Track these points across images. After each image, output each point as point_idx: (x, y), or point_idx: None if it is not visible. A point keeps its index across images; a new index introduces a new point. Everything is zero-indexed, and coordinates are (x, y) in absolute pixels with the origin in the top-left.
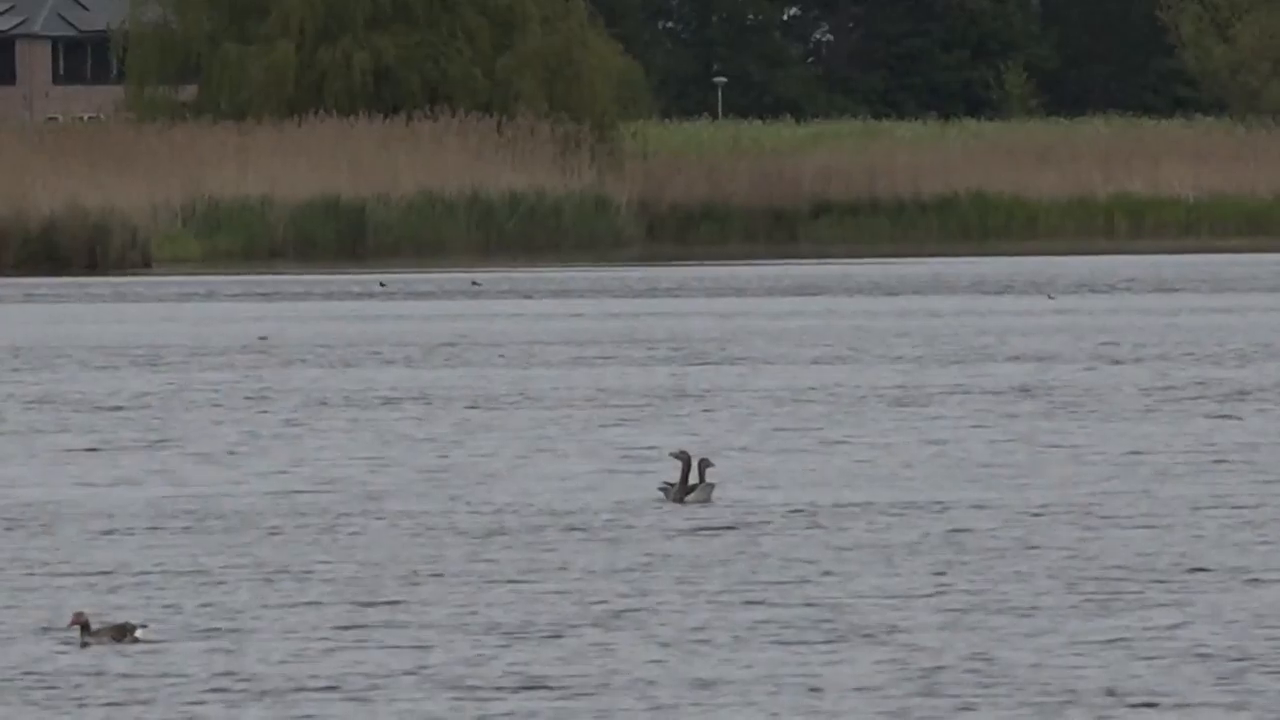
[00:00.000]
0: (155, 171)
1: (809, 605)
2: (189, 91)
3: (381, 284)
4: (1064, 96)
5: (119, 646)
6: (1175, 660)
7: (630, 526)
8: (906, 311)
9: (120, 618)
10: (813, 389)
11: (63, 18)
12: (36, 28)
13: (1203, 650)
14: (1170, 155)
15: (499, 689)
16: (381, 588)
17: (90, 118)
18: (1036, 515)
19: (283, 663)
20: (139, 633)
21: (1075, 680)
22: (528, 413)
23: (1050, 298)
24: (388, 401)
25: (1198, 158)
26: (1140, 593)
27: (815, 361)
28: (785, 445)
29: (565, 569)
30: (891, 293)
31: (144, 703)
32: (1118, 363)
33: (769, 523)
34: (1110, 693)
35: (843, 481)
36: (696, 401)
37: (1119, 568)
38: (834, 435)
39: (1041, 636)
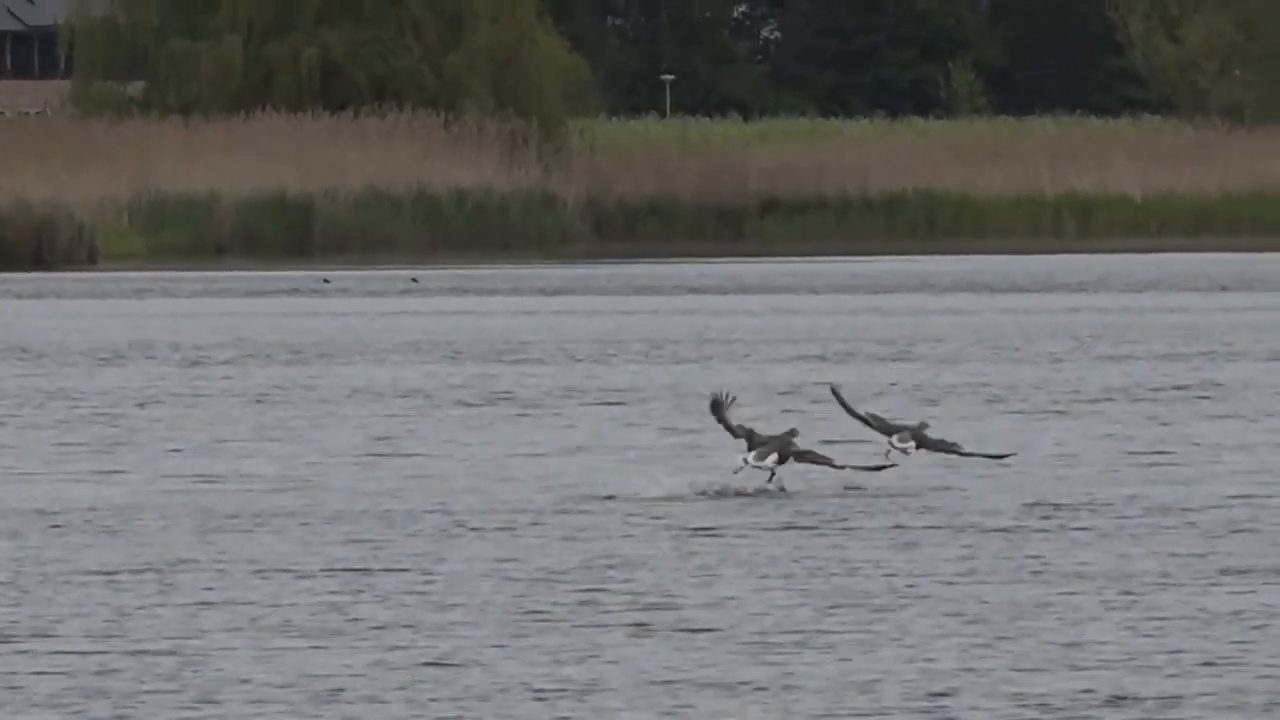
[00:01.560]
0: (102, 166)
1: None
2: (136, 86)
3: (326, 280)
4: (1012, 95)
5: None
6: None
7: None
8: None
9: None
10: (776, 386)
11: (10, 11)
12: None
13: None
14: (1118, 154)
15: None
16: (335, 584)
17: (37, 112)
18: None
19: (237, 661)
20: None
21: None
22: (475, 410)
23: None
24: (333, 399)
25: (1146, 157)
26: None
27: (778, 360)
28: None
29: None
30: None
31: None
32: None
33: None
34: None
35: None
36: (650, 399)
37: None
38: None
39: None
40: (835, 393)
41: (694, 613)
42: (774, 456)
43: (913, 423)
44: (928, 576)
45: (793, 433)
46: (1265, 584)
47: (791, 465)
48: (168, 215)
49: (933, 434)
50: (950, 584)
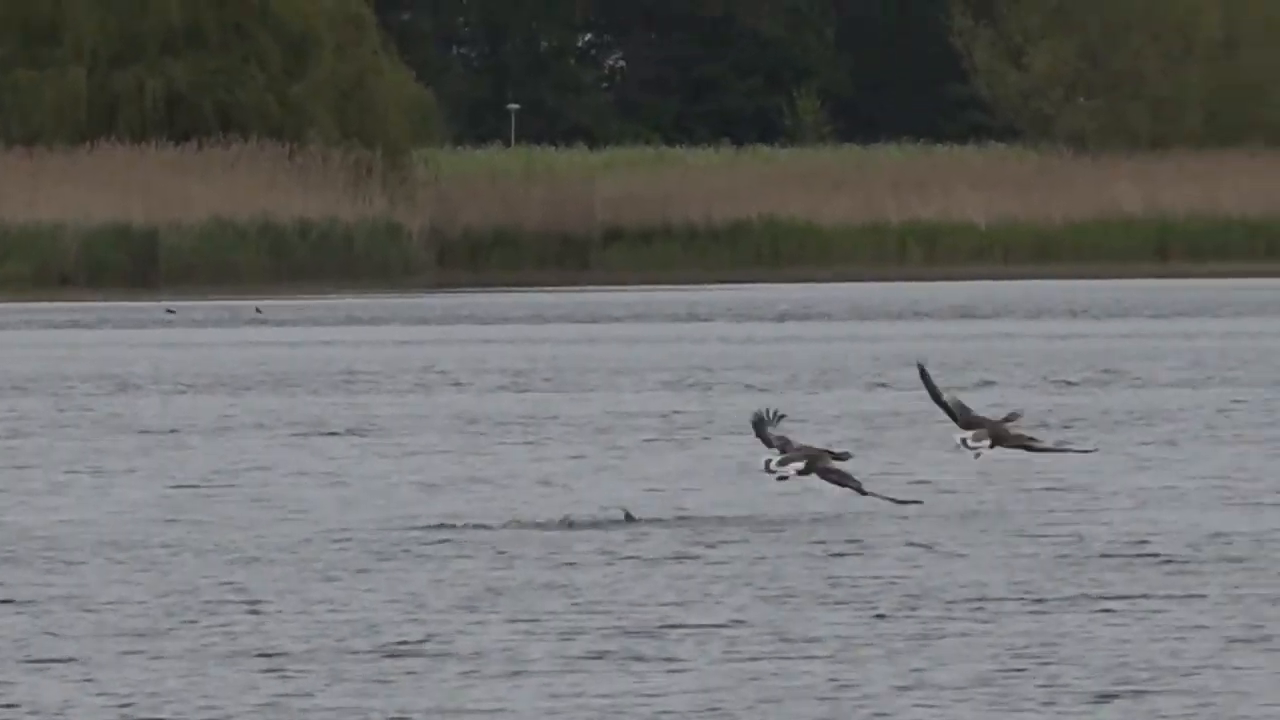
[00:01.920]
0: None
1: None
2: None
3: (170, 311)
4: (857, 123)
5: None
6: None
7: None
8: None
9: None
10: (633, 414)
11: None
12: None
13: None
14: (963, 181)
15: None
16: (182, 617)
17: None
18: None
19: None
20: None
21: None
22: (323, 440)
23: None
24: (179, 429)
25: (990, 184)
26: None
27: (643, 389)
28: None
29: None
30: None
31: None
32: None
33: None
34: None
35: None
36: (506, 425)
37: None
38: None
39: None
40: (922, 371)
41: (553, 643)
42: (798, 465)
43: (1001, 414)
44: (777, 602)
45: (841, 456)
46: (1127, 609)
47: (815, 481)
48: (11, 246)
49: (1016, 427)
50: (799, 611)
